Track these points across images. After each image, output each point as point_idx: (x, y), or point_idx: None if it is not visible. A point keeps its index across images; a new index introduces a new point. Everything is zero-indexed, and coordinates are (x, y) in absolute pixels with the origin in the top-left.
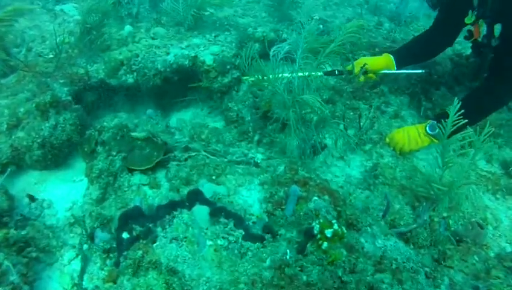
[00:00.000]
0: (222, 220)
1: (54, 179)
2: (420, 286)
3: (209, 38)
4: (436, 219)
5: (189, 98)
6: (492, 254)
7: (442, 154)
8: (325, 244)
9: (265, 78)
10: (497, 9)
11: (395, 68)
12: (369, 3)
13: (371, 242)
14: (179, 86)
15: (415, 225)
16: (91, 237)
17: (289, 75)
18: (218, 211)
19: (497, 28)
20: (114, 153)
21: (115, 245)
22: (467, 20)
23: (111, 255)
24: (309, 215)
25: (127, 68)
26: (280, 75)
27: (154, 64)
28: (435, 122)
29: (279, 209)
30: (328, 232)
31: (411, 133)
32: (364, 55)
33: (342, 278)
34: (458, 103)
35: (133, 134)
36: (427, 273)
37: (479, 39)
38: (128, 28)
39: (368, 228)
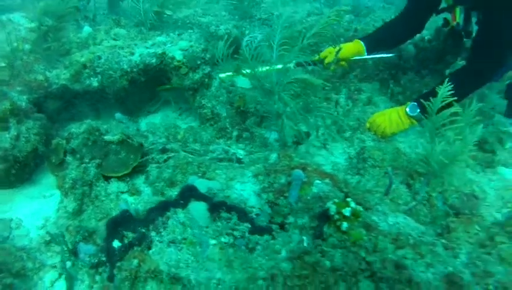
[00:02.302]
0: (224, 215)
1: (20, 197)
2: (441, 257)
3: (174, 37)
4: (433, 195)
5: (162, 100)
6: (488, 223)
7: (431, 131)
8: (345, 224)
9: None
10: None
11: (366, 54)
12: None
13: (383, 220)
14: (145, 87)
15: (414, 203)
16: (74, 253)
17: (266, 67)
18: (218, 206)
19: (473, 14)
20: (87, 160)
21: (103, 258)
22: (443, 4)
23: (100, 269)
24: (317, 198)
25: (91, 71)
26: (260, 68)
27: (119, 64)
28: (415, 103)
29: (282, 197)
30: (346, 211)
31: (392, 116)
32: (330, 45)
33: (367, 259)
34: (447, 82)
35: (106, 137)
36: (444, 245)
37: (454, 25)
38: (87, 28)
39: (378, 206)
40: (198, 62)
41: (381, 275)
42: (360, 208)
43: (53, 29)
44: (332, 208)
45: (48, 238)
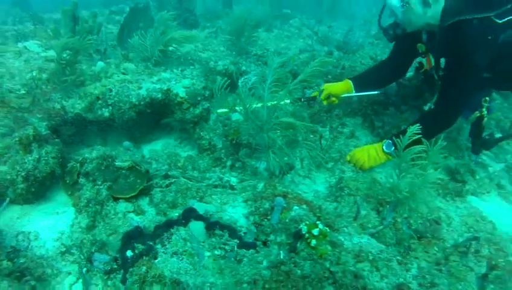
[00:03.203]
0: (218, 232)
1: (36, 213)
2: (394, 271)
3: (177, 73)
4: (399, 220)
5: (164, 129)
6: (448, 245)
7: (400, 166)
8: (313, 241)
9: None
10: (442, 46)
11: (354, 92)
12: (318, 35)
13: (348, 240)
14: (150, 118)
15: (381, 227)
16: (89, 261)
17: (260, 104)
18: (213, 225)
19: (442, 61)
20: (99, 183)
21: (115, 266)
22: (419, 49)
23: (111, 276)
24: (293, 221)
25: (103, 102)
26: (254, 104)
27: (128, 98)
28: (391, 141)
29: (266, 219)
30: (315, 231)
31: (370, 152)
32: (318, 84)
33: (330, 269)
34: (417, 126)
35: (117, 164)
36: (398, 260)
37: (428, 69)
38: (100, 63)
39: (345, 228)
40: (199, 98)
41: (342, 282)
42: (327, 229)
43: (70, 63)
44: (304, 229)
45: (63, 249)
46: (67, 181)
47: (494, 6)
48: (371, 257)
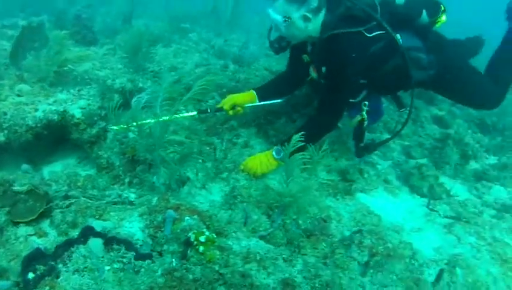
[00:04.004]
0: (115, 246)
1: None
2: (280, 268)
3: (74, 93)
4: (288, 221)
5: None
6: (336, 240)
7: (287, 171)
8: (201, 248)
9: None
10: (321, 57)
11: (258, 102)
12: (214, 48)
13: (237, 244)
14: (48, 140)
15: (271, 229)
16: None
17: (154, 120)
18: (110, 240)
19: (323, 70)
20: None
21: None
22: (304, 59)
23: None
24: (184, 230)
25: None
26: (147, 121)
27: (24, 120)
28: (279, 147)
29: (160, 231)
30: (202, 238)
31: (262, 159)
32: (213, 97)
33: (220, 271)
34: (300, 131)
35: (15, 188)
36: (284, 258)
37: (315, 77)
38: None
39: (233, 233)
40: (95, 118)
41: (231, 282)
42: (214, 235)
43: None
44: (192, 237)
45: None
46: None
47: (363, 22)
48: (258, 257)
